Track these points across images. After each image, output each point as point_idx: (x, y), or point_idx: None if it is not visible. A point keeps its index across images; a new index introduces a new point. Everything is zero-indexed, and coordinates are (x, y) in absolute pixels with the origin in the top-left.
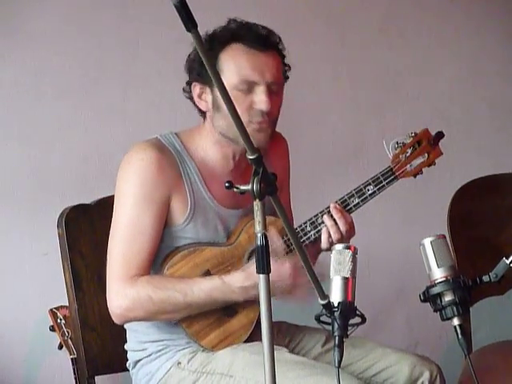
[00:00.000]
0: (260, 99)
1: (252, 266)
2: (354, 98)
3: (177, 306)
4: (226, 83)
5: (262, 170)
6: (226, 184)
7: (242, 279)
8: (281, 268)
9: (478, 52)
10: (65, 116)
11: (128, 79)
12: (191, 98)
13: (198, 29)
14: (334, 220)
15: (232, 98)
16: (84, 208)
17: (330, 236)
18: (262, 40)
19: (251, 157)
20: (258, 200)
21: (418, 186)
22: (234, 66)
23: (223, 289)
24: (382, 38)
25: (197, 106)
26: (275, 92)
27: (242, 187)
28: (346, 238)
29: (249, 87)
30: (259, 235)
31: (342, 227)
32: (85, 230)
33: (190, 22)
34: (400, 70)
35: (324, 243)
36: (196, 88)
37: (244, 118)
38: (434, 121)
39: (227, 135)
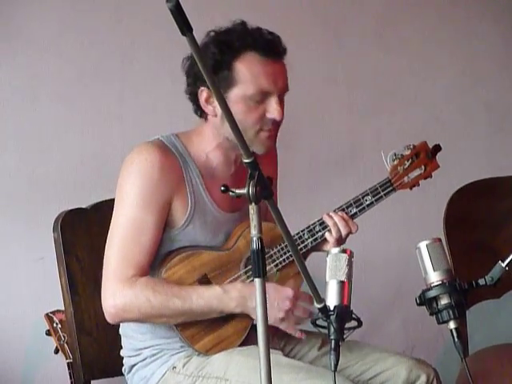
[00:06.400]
0: (273, 109)
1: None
2: (350, 101)
3: (174, 311)
4: (241, 92)
5: (258, 173)
6: (222, 188)
7: (241, 287)
8: (282, 290)
9: (475, 55)
10: (61, 120)
11: (124, 83)
12: (196, 101)
13: (196, 31)
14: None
15: (245, 107)
16: (80, 212)
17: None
18: (274, 48)
19: (247, 160)
20: (253, 204)
21: (414, 189)
22: (251, 76)
23: (222, 297)
24: (378, 41)
25: (201, 110)
26: (282, 100)
27: (238, 191)
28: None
29: (262, 97)
30: (255, 239)
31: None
32: (81, 234)
33: (185, 26)
34: (396, 73)
35: (331, 242)
36: (203, 93)
37: (255, 127)
38: (430, 124)
39: (235, 140)
